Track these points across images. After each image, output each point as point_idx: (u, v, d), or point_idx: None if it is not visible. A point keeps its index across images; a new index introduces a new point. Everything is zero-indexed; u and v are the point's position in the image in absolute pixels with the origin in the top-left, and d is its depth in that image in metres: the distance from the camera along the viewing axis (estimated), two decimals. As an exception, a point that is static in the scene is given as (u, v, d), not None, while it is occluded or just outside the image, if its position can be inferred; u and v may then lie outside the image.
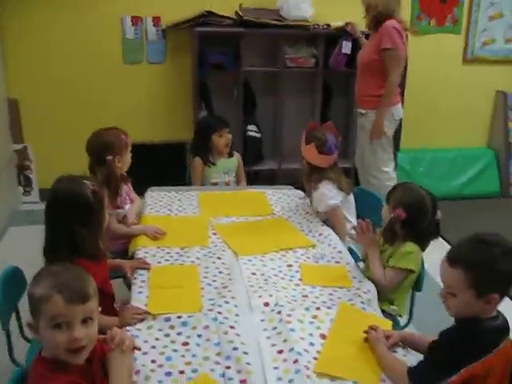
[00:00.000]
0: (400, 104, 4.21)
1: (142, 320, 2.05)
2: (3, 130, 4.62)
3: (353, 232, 3.15)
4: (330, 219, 3.05)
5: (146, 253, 2.59)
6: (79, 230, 2.04)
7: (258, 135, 4.83)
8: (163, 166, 4.71)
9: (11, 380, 1.61)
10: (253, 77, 4.76)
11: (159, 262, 2.51)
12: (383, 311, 2.30)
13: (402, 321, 2.58)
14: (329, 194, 3.03)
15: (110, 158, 2.76)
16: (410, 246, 2.43)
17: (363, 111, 4.18)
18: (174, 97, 4.89)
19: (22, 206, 4.92)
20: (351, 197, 3.19)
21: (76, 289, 1.50)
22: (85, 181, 2.11)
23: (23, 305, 2.30)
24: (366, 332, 1.96)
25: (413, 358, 1.89)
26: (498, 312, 1.77)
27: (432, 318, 2.66)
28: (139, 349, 1.80)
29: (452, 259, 1.71)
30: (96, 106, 4.79)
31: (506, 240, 1.72)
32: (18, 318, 2.34)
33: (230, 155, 3.78)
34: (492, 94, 5.47)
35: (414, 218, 2.42)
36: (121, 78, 4.78)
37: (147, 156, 4.52)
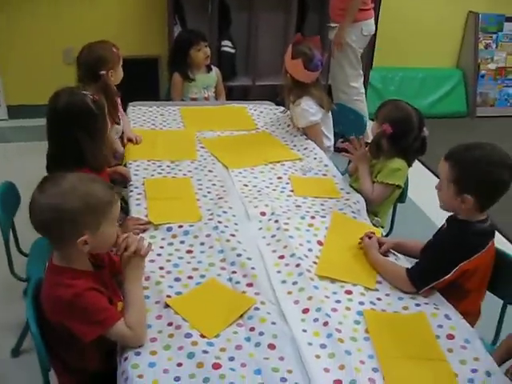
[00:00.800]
0: (371, 20, 4.19)
1: (144, 230, 2.10)
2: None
3: (331, 149, 3.24)
4: (308, 135, 3.09)
5: (138, 166, 2.61)
6: (84, 139, 2.05)
7: (232, 51, 4.75)
8: (136, 81, 4.59)
9: (29, 296, 1.63)
10: (228, -10, 4.64)
11: (152, 175, 2.54)
12: (367, 222, 2.41)
13: (384, 232, 2.70)
14: (310, 110, 3.05)
15: (103, 72, 2.68)
16: (399, 163, 2.51)
17: (333, 25, 4.18)
18: (147, 10, 4.73)
19: (-11, 124, 4.79)
20: (329, 114, 3.23)
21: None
22: (83, 91, 2.09)
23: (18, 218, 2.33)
24: (361, 239, 2.07)
25: (403, 263, 2.00)
26: (487, 216, 1.89)
27: (407, 230, 2.82)
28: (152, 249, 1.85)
29: (446, 155, 1.85)
30: (64, 18, 4.60)
31: (497, 153, 1.81)
32: (14, 232, 2.37)
33: (209, 69, 3.75)
34: (464, 15, 5.47)
35: (400, 134, 2.48)
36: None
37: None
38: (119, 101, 2.99)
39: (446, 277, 1.81)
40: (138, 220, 2.15)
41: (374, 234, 2.09)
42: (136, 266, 1.66)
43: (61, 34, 4.59)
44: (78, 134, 2.04)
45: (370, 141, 2.64)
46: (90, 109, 2.07)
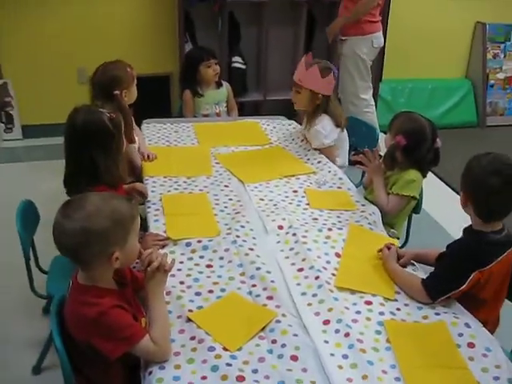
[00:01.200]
0: (380, 33, 4.23)
1: (163, 246, 2.13)
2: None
3: (346, 164, 3.23)
4: (322, 153, 3.07)
5: (155, 182, 2.65)
6: (100, 156, 2.09)
7: (243, 67, 4.80)
8: (148, 98, 4.64)
9: (53, 313, 1.64)
10: (237, 7, 4.68)
11: (169, 191, 2.57)
12: (383, 233, 2.42)
13: (399, 243, 2.71)
14: (324, 132, 3.03)
15: (117, 92, 2.72)
16: (413, 174, 2.53)
17: (343, 38, 4.23)
18: (159, 28, 4.80)
19: (4, 144, 4.84)
20: (345, 131, 3.20)
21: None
22: (100, 109, 2.14)
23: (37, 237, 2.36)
24: (380, 250, 2.09)
25: (421, 274, 2.01)
26: (503, 226, 1.90)
27: (422, 240, 2.83)
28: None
29: None
30: (77, 38, 4.67)
31: (500, 164, 1.82)
32: (34, 250, 2.39)
33: (219, 85, 3.79)
34: (471, 25, 5.52)
35: (414, 145, 2.49)
36: (102, 8, 4.65)
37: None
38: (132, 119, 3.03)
39: (462, 288, 1.81)
40: (157, 236, 2.17)
41: (393, 245, 2.11)
42: (159, 281, 1.69)
43: (75, 54, 4.66)
44: (94, 152, 2.08)
45: (382, 153, 2.66)
46: (106, 127, 2.11)
